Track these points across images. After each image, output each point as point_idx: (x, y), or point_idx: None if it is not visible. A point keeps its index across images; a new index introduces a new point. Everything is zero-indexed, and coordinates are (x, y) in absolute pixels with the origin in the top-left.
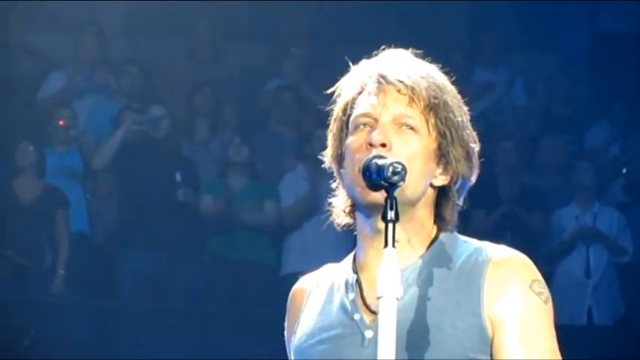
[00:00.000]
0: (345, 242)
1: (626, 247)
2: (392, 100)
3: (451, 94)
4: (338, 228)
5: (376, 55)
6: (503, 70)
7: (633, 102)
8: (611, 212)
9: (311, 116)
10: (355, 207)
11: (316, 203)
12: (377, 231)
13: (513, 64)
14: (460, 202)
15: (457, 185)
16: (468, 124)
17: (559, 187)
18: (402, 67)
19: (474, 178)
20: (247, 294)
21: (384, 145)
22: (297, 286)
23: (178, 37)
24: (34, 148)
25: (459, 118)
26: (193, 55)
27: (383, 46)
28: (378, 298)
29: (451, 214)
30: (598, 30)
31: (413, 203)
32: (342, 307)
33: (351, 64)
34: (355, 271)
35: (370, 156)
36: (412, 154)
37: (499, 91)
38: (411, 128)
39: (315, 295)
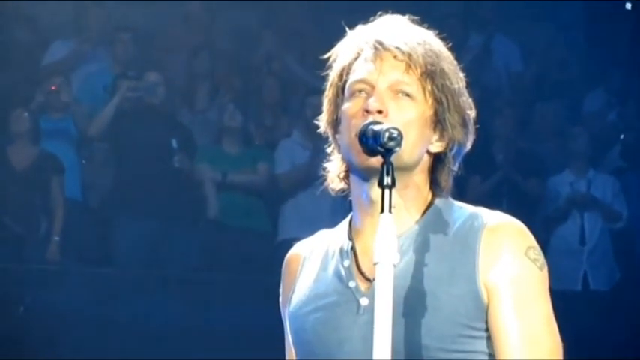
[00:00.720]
0: (341, 208)
1: (621, 212)
2: (389, 67)
3: (447, 60)
4: (332, 193)
5: (373, 20)
6: (498, 38)
7: (629, 69)
8: (605, 178)
9: (302, 84)
10: (350, 172)
11: (312, 170)
12: (372, 198)
13: (508, 31)
14: (455, 168)
15: (453, 152)
16: (464, 91)
17: (554, 154)
18: (398, 33)
19: (469, 145)
20: (243, 260)
21: (380, 112)
22: (291, 253)
23: (173, 3)
24: (28, 115)
25: (456, 85)
26: (188, 19)
27: (379, 13)
28: (375, 264)
29: (447, 180)
30: None
31: (409, 169)
32: (337, 274)
33: (347, 29)
34: (350, 238)
35: (367, 122)
36: (409, 120)
37: (474, 52)
38: (408, 95)
39: (310, 262)
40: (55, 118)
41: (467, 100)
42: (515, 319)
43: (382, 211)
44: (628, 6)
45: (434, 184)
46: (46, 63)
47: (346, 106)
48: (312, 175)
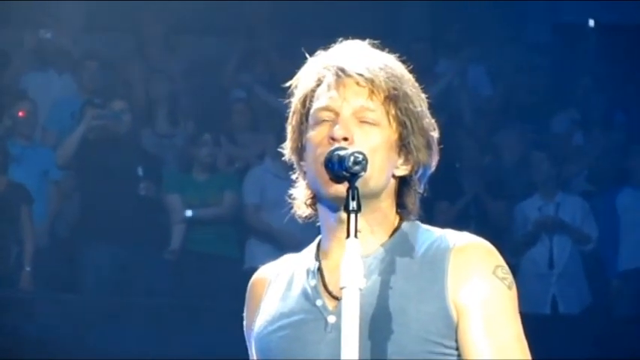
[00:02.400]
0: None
1: (590, 234)
2: (352, 93)
3: (409, 83)
4: (300, 220)
5: (333, 46)
6: (465, 61)
7: (594, 91)
8: (574, 200)
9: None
10: (318, 200)
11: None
12: (340, 221)
13: (475, 54)
14: (421, 190)
15: (418, 174)
16: (427, 113)
17: (522, 178)
18: (360, 58)
19: (434, 166)
20: (211, 287)
21: (345, 139)
22: (256, 276)
23: (130, 32)
24: None
25: (419, 108)
26: (146, 49)
27: (340, 38)
28: (341, 288)
29: (413, 203)
30: (559, 20)
31: (376, 195)
32: (304, 293)
33: (307, 55)
34: (317, 259)
35: (332, 148)
36: (374, 146)
37: (447, 79)
38: (372, 121)
39: (276, 284)
40: (21, 143)
41: (430, 122)
42: (485, 338)
43: (348, 235)
44: (591, 23)
45: (401, 207)
46: (13, 89)
47: (311, 134)
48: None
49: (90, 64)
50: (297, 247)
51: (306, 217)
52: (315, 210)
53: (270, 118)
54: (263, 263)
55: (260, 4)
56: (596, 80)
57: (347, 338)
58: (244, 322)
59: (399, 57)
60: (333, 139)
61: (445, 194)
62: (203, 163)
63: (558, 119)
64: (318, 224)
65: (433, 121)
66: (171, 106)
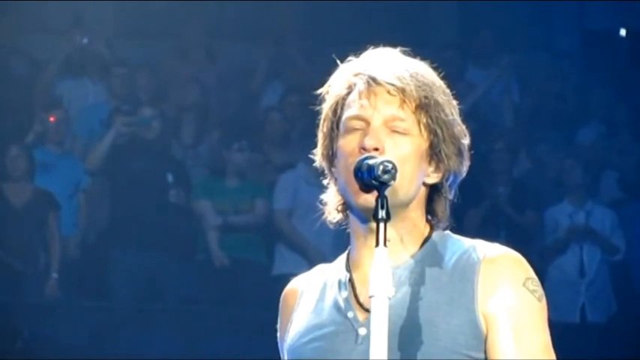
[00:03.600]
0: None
1: (619, 245)
2: (383, 102)
3: (440, 90)
4: (331, 226)
5: (364, 53)
6: (496, 69)
7: (623, 98)
8: (603, 210)
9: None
10: (348, 209)
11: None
12: (370, 231)
13: (505, 62)
14: (451, 196)
15: (449, 181)
16: (458, 119)
17: (551, 185)
18: (391, 66)
19: (465, 172)
20: (239, 294)
21: (376, 149)
22: (289, 287)
23: (170, 38)
24: (24, 152)
25: (450, 116)
26: (185, 56)
27: (371, 46)
28: (370, 297)
29: (443, 211)
30: (587, 27)
31: (406, 204)
32: (336, 305)
33: (339, 62)
34: (348, 270)
35: (362, 157)
36: (404, 155)
37: (481, 89)
38: (403, 130)
39: (308, 295)
40: (51, 150)
41: (461, 129)
42: (514, 350)
43: (377, 244)
44: (622, 32)
45: (431, 215)
46: (45, 95)
47: (342, 142)
48: (311, 208)
49: (119, 71)
50: (326, 255)
51: (337, 222)
52: (346, 216)
53: (301, 126)
54: (291, 270)
55: (289, 11)
56: (626, 88)
57: (375, 347)
58: (277, 334)
59: (430, 64)
60: (364, 149)
61: (475, 202)
62: (236, 169)
63: (588, 127)
64: (348, 230)
65: (464, 127)
66: (202, 113)
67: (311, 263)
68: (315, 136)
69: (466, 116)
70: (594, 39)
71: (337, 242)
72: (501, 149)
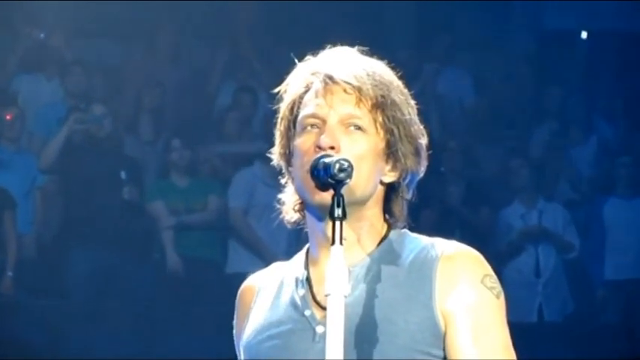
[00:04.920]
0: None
1: (573, 242)
2: (339, 101)
3: (397, 90)
4: (288, 225)
5: (322, 52)
6: (451, 69)
7: (578, 99)
8: (555, 208)
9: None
10: (305, 207)
11: (267, 202)
12: (327, 228)
13: (461, 63)
14: (409, 196)
15: (406, 181)
16: (416, 119)
17: (503, 186)
18: (348, 65)
19: (422, 172)
20: (195, 292)
21: (332, 148)
22: (245, 284)
23: (133, 38)
24: None
25: (407, 116)
26: (148, 55)
27: (329, 45)
28: (326, 295)
29: (400, 210)
30: (544, 28)
31: (363, 203)
32: (292, 302)
33: (297, 61)
34: (306, 267)
35: (318, 156)
36: (361, 154)
37: (422, 82)
38: (359, 128)
39: (265, 292)
40: (7, 147)
41: (418, 129)
42: (473, 347)
43: (333, 242)
44: (584, 35)
45: (388, 214)
46: (2, 94)
47: (298, 141)
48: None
49: (76, 69)
50: (280, 254)
51: (294, 222)
52: (304, 215)
53: (255, 125)
54: (246, 268)
55: (246, 10)
56: (580, 88)
57: (331, 345)
58: (234, 331)
59: (387, 63)
60: (320, 147)
61: (428, 203)
62: (178, 167)
63: (541, 128)
64: (306, 229)
65: (422, 127)
66: (156, 112)
67: (265, 262)
68: (271, 135)
69: (419, 112)
70: (552, 40)
71: (291, 241)
72: (455, 149)
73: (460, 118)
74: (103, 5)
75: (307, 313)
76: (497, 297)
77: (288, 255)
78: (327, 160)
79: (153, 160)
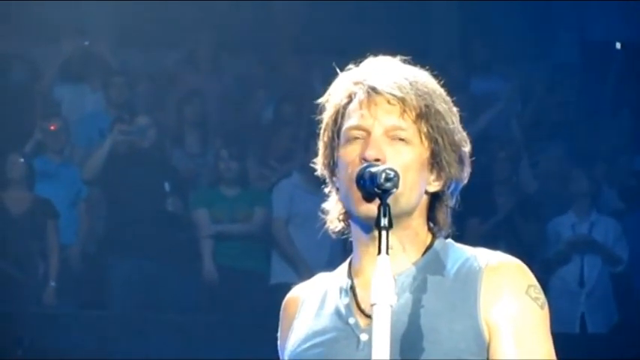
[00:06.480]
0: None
1: (622, 256)
2: (383, 112)
3: (441, 98)
4: (333, 235)
5: (363, 61)
6: (497, 79)
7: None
8: (607, 221)
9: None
10: (350, 218)
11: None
12: (372, 239)
13: (506, 73)
14: (452, 203)
15: (450, 189)
16: (459, 127)
17: (556, 196)
18: (390, 75)
19: (466, 179)
20: (239, 302)
21: (377, 160)
22: (290, 295)
23: (173, 47)
24: (23, 160)
25: (450, 125)
26: (188, 65)
27: (370, 55)
28: (372, 305)
29: (444, 219)
30: (588, 38)
31: (408, 212)
32: (337, 311)
33: (339, 71)
34: (350, 277)
35: (363, 166)
36: (406, 164)
37: (501, 105)
38: (404, 139)
39: (309, 303)
40: (51, 159)
41: (462, 137)
42: (516, 358)
43: (379, 252)
44: (618, 45)
45: (432, 223)
46: (44, 101)
47: (342, 152)
48: (310, 217)
49: (119, 79)
50: (320, 267)
51: (338, 231)
52: (348, 225)
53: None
54: (289, 279)
55: (288, 23)
56: (626, 98)
57: (377, 355)
58: (278, 342)
59: (430, 72)
60: (365, 159)
61: (477, 211)
62: (228, 178)
63: (594, 137)
64: (350, 239)
65: (465, 134)
66: (202, 123)
67: (302, 273)
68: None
69: (462, 119)
70: (594, 50)
71: (335, 250)
72: (504, 159)
73: (507, 127)
74: (148, 12)
75: (351, 321)
76: (542, 307)
77: (329, 266)
78: (373, 169)
79: (202, 172)
